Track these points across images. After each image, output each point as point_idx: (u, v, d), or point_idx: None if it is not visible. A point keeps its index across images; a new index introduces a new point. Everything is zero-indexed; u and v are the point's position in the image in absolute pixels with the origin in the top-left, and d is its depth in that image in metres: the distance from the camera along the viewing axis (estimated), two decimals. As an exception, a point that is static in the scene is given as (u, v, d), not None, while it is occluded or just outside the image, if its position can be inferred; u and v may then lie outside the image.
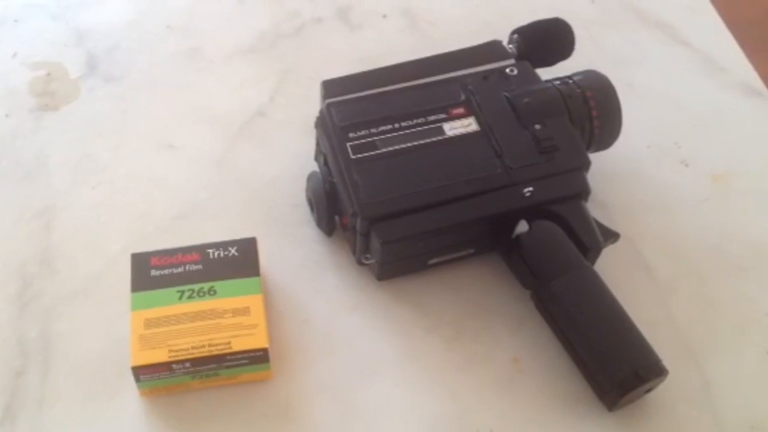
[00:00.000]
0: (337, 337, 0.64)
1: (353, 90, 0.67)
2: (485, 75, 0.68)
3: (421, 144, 0.64)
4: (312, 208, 0.68)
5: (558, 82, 0.69)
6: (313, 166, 0.70)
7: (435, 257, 0.65)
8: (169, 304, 0.60)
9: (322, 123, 0.66)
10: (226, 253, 0.63)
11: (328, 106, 0.66)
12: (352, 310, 0.65)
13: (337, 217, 0.67)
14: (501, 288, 0.66)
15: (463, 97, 0.67)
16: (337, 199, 0.65)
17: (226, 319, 0.59)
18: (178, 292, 0.60)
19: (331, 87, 0.67)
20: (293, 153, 0.73)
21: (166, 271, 0.61)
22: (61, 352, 0.63)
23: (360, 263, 0.66)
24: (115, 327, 0.61)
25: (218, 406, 0.60)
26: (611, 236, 0.65)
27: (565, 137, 0.65)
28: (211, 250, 0.63)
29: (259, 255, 0.64)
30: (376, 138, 0.64)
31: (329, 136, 0.65)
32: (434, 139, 0.64)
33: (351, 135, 0.64)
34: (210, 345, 0.58)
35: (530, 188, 0.63)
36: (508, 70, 0.69)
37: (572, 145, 0.65)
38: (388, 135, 0.64)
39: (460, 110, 0.66)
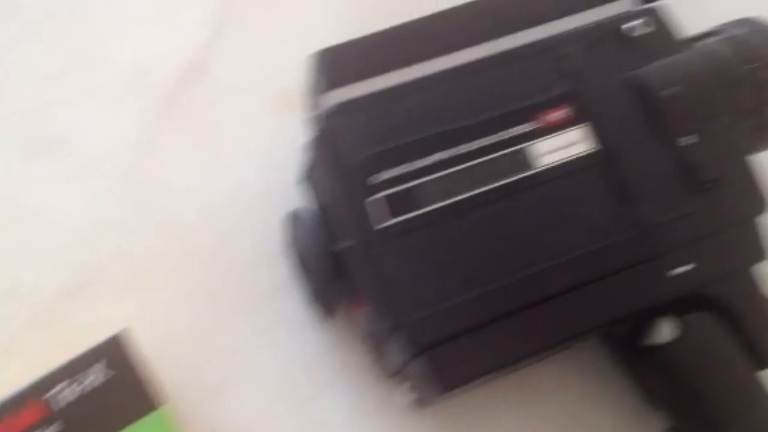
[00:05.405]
0: None
1: (372, 69, 0.37)
2: (593, 38, 0.39)
3: (496, 190, 0.36)
4: (298, 272, 0.41)
5: (710, 45, 0.41)
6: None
7: (511, 371, 0.39)
8: None
9: (322, 146, 0.37)
10: (83, 386, 0.35)
11: (336, 114, 0.36)
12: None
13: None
14: (608, 403, 0.41)
15: (560, 86, 0.38)
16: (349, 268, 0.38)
17: None
18: None
19: (333, 65, 0.37)
20: (262, 148, 0.44)
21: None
22: None
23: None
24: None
25: None
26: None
27: (726, 154, 0.38)
28: (57, 388, 0.35)
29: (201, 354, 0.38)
30: (415, 183, 0.36)
31: (337, 175, 0.36)
32: (518, 177, 0.36)
33: (373, 178, 0.35)
34: None
35: (688, 264, 0.37)
36: (626, 27, 0.40)
37: (738, 170, 0.39)
38: (437, 175, 0.36)
39: (558, 113, 0.38)
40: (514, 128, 0.37)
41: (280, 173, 0.43)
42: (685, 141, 0.38)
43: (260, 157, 0.44)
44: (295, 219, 0.40)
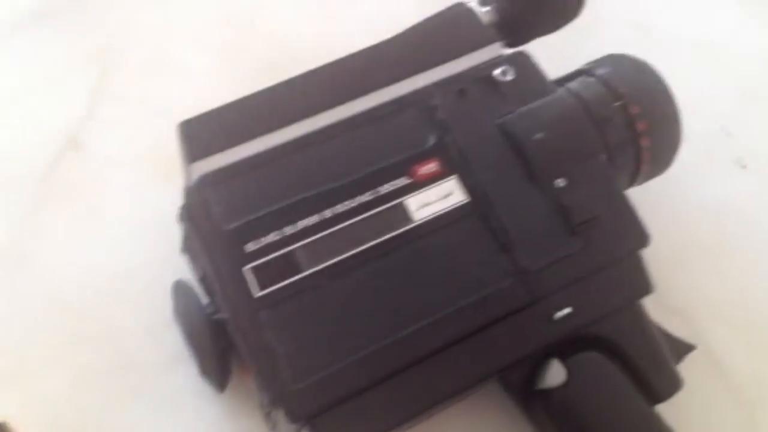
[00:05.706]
0: None
1: (238, 138, 0.37)
2: (461, 87, 0.40)
3: (373, 248, 0.36)
4: (186, 344, 0.40)
5: (577, 87, 0.41)
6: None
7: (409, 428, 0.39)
8: None
9: (191, 219, 0.36)
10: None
11: (202, 186, 0.36)
12: None
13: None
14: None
15: (431, 137, 0.38)
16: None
17: None
18: None
19: (197, 136, 0.37)
20: (145, 220, 0.43)
21: None
22: None
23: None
24: None
25: None
26: (683, 351, 0.41)
27: (604, 193, 0.39)
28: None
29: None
30: (290, 249, 0.35)
31: (208, 247, 0.35)
32: (393, 234, 0.36)
33: (249, 246, 0.35)
34: None
35: (566, 308, 0.37)
36: (497, 73, 0.40)
37: (617, 208, 0.39)
38: (312, 239, 0.35)
39: (431, 165, 0.38)
40: (387, 185, 0.37)
41: (165, 244, 0.42)
42: (558, 184, 0.38)
43: (144, 228, 0.43)
44: (178, 290, 0.39)
